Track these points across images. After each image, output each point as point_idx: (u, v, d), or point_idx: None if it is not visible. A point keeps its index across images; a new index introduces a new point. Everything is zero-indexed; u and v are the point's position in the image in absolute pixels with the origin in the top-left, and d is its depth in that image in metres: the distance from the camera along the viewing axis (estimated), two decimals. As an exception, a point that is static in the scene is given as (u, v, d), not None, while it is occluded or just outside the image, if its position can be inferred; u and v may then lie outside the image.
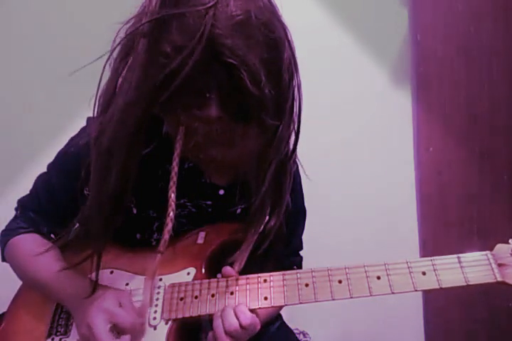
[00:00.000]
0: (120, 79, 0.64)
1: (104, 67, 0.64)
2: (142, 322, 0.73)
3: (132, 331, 0.71)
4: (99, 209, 0.70)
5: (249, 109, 0.62)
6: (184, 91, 0.60)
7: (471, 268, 0.69)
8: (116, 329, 0.70)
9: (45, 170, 0.88)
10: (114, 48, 0.63)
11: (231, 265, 0.77)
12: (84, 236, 0.78)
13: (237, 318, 0.70)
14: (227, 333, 0.70)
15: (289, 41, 0.65)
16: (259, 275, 0.76)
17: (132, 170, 0.69)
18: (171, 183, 0.69)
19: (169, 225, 0.69)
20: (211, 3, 0.57)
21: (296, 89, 0.68)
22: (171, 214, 0.69)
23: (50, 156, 0.87)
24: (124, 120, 0.64)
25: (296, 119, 0.70)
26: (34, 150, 1.40)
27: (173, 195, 0.69)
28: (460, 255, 0.71)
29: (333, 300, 0.71)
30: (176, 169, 0.69)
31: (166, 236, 0.70)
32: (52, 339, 0.78)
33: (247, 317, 0.70)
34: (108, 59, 0.64)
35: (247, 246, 0.76)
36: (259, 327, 0.72)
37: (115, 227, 0.73)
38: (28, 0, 1.45)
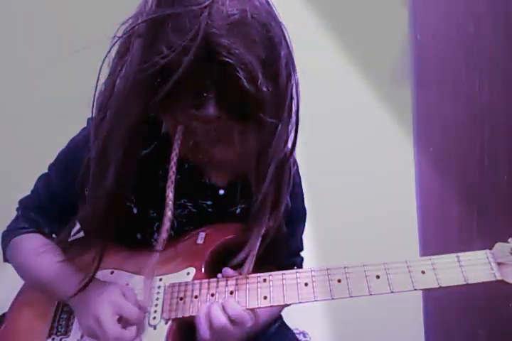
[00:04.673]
0: (118, 79, 0.65)
1: (101, 67, 0.64)
2: (144, 317, 0.73)
3: (137, 323, 0.71)
4: (97, 209, 0.70)
5: (247, 108, 0.62)
6: (181, 91, 0.60)
7: (470, 267, 0.69)
8: (122, 322, 0.70)
9: (45, 170, 0.88)
10: (111, 48, 0.64)
11: (236, 267, 0.77)
12: (84, 235, 0.78)
13: (225, 312, 0.69)
14: (213, 331, 0.69)
15: (286, 40, 0.65)
16: (259, 274, 0.76)
17: (130, 170, 0.69)
18: (169, 182, 0.70)
19: (167, 224, 0.70)
20: (206, 3, 0.57)
21: (294, 88, 0.68)
22: (169, 213, 0.70)
23: (51, 156, 0.87)
24: (121, 120, 0.64)
25: (294, 118, 0.71)
26: (35, 150, 1.40)
27: (170, 195, 0.70)
28: (459, 254, 0.71)
29: (333, 299, 0.71)
30: (174, 168, 0.69)
31: (164, 235, 0.70)
32: (53, 339, 0.78)
33: (236, 310, 0.69)
34: (104, 59, 0.64)
35: (252, 247, 0.75)
36: (249, 323, 0.71)
37: (115, 227, 0.73)
38: (27, 1, 1.45)
